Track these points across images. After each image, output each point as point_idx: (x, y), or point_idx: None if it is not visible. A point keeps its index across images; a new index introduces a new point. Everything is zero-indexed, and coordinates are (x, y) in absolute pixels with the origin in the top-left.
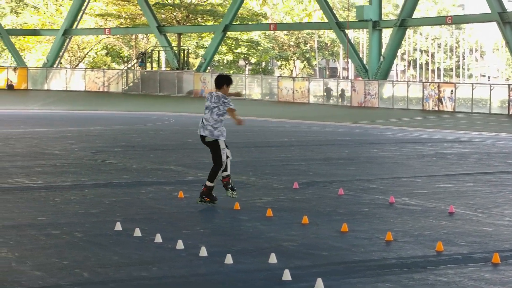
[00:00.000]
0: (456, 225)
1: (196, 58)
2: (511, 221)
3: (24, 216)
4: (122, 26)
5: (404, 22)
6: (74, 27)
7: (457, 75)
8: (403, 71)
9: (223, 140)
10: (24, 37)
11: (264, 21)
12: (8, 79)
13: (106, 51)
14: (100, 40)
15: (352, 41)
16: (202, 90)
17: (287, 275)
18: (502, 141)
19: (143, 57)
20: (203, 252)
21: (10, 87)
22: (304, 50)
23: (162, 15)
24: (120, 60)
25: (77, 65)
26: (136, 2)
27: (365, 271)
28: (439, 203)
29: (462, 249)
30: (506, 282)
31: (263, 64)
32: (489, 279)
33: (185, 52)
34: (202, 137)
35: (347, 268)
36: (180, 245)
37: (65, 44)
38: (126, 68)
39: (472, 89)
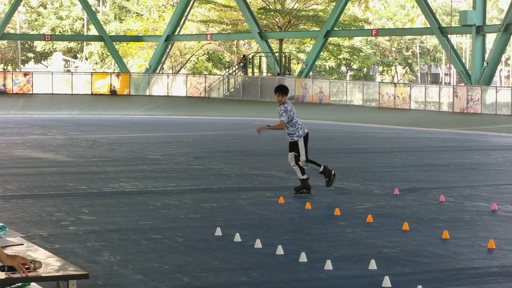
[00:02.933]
0: None
1: (297, 64)
2: None
3: (126, 220)
4: (224, 32)
5: (509, 27)
6: (176, 33)
7: None
8: (507, 77)
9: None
10: (127, 43)
11: (366, 27)
12: (111, 84)
13: (207, 56)
14: (202, 46)
15: (455, 47)
16: (304, 95)
17: (387, 282)
18: None
19: (245, 63)
20: (303, 258)
21: (113, 92)
22: (406, 56)
23: (264, 21)
24: (222, 66)
25: (179, 70)
26: (238, 8)
27: (467, 279)
28: None
29: None
30: None
31: (365, 70)
32: None
33: (287, 57)
34: None
35: (448, 275)
36: (280, 250)
37: (167, 50)
38: (227, 73)
39: None
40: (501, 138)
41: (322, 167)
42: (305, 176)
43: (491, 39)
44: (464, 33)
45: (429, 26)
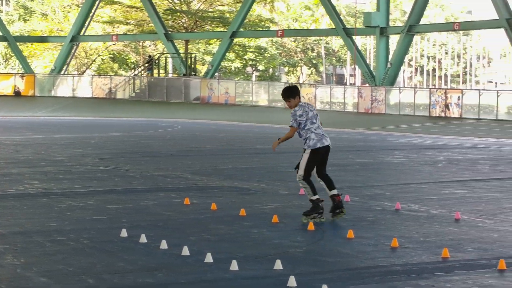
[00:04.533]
0: (462, 231)
1: (203, 65)
2: None
3: (31, 222)
4: (129, 33)
5: (411, 29)
6: (81, 33)
7: (464, 82)
8: (410, 78)
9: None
10: (31, 44)
11: (272, 28)
12: (15, 85)
13: (112, 56)
14: (108, 47)
15: (360, 48)
16: (209, 96)
17: (292, 282)
18: (509, 148)
19: (151, 64)
20: (209, 258)
21: (17, 93)
22: (311, 57)
23: (170, 22)
24: (127, 67)
25: (84, 71)
26: (144, 9)
27: (371, 278)
28: (445, 209)
29: (468, 255)
30: None
31: (270, 70)
32: (494, 286)
33: (192, 58)
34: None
35: (353, 274)
36: (185, 251)
37: (73, 50)
38: (133, 74)
39: (479, 95)
40: (404, 138)
41: (315, 197)
42: (316, 196)
43: (394, 40)
44: (368, 34)
45: (334, 27)
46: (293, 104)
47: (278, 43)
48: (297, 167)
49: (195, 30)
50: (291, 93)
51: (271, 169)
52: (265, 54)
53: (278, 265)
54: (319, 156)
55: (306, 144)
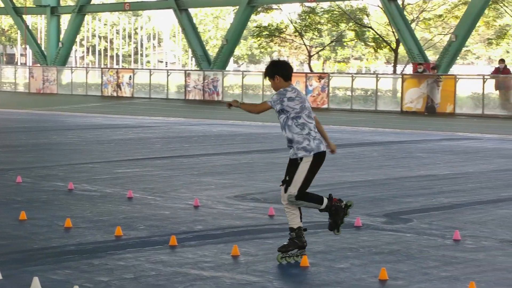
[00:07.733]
0: (135, 209)
1: None
2: (188, 204)
3: None
4: None
5: (82, 8)
6: None
7: (136, 61)
8: (82, 57)
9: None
10: None
11: None
12: None
13: None
14: None
15: (30, 27)
16: None
17: None
18: (179, 126)
19: None
20: None
21: None
22: None
23: None
24: None
25: None
26: None
27: (45, 259)
28: (118, 188)
29: (141, 233)
30: (183, 263)
31: None
32: (166, 261)
33: None
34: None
35: (26, 256)
36: None
37: None
38: None
39: (150, 75)
40: (76, 118)
41: (324, 201)
42: (300, 224)
43: (66, 19)
44: (39, 13)
45: (3, 5)
46: (279, 86)
47: None
48: (285, 181)
49: None
50: (278, 69)
51: None
52: None
53: None
54: (320, 163)
55: (302, 146)
